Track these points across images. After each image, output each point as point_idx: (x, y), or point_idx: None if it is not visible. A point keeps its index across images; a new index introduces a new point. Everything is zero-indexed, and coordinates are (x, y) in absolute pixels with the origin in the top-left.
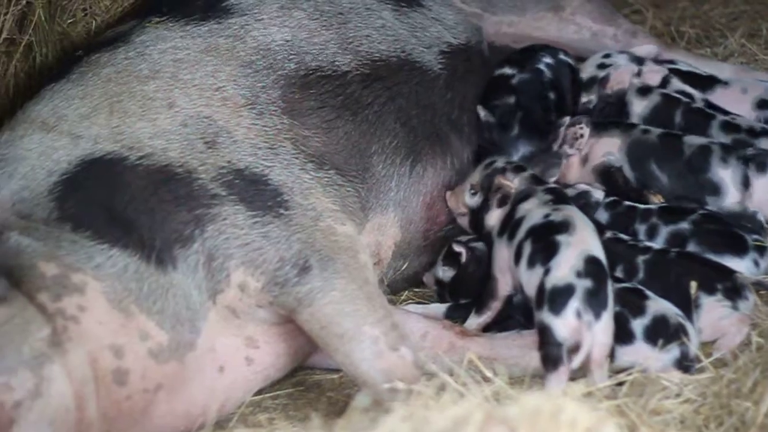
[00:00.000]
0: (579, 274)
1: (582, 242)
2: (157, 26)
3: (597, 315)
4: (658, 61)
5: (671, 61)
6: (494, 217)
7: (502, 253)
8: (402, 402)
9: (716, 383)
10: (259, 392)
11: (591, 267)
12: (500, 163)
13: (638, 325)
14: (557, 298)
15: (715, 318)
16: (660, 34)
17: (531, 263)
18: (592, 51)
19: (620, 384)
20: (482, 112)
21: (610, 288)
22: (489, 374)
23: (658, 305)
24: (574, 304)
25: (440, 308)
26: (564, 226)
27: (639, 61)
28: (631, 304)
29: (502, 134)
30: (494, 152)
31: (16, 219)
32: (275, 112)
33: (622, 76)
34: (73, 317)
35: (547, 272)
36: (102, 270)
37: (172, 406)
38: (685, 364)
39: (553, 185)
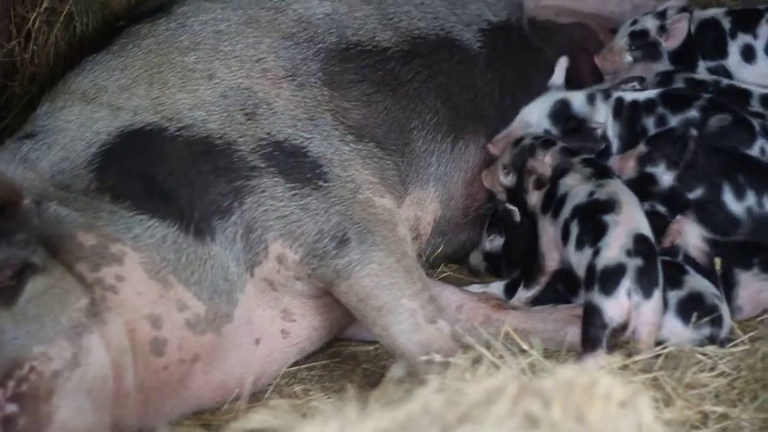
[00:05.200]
0: (629, 253)
1: (630, 220)
2: None
3: (647, 294)
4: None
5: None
6: (535, 197)
7: (548, 230)
8: (438, 374)
9: (751, 356)
10: (294, 363)
11: (640, 245)
12: (528, 140)
13: (673, 296)
14: (609, 279)
15: (753, 293)
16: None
17: (579, 244)
18: None
19: (656, 357)
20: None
21: (660, 266)
22: (525, 347)
23: (696, 282)
24: (626, 283)
25: (500, 286)
26: (610, 205)
27: (662, 16)
28: (669, 276)
29: None
30: None
31: (55, 190)
32: (315, 83)
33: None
34: (112, 287)
35: (596, 253)
36: (140, 240)
37: (208, 377)
38: (717, 341)
39: (589, 156)
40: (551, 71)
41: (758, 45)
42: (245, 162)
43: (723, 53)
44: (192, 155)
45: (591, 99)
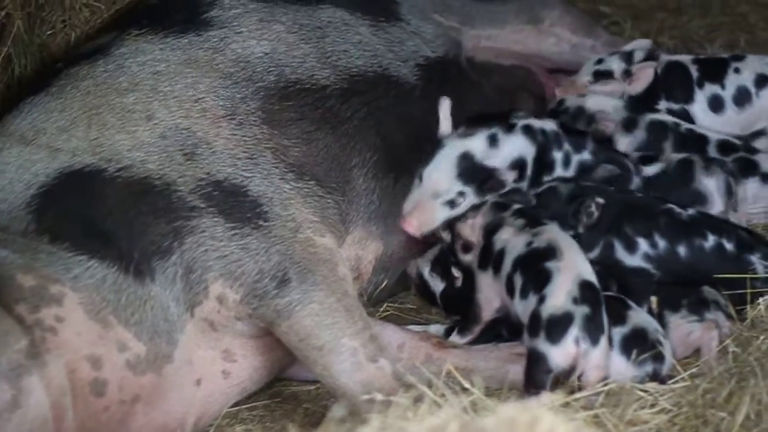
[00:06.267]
0: (576, 301)
1: (573, 266)
2: (137, 39)
3: (595, 341)
4: (649, 55)
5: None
6: (468, 257)
7: (487, 285)
8: (379, 413)
9: (692, 393)
10: (235, 404)
11: (587, 292)
12: None
13: (617, 333)
14: (555, 327)
15: (683, 335)
16: None
17: (524, 293)
18: (572, 63)
19: (597, 394)
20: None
21: (605, 312)
22: (467, 385)
23: (639, 317)
24: (574, 332)
25: (439, 329)
26: (551, 252)
27: (628, 58)
28: (613, 312)
29: None
30: None
31: None
32: (255, 122)
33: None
34: (51, 328)
35: (541, 300)
36: (80, 281)
37: (149, 417)
38: (659, 377)
39: (519, 207)
40: (488, 103)
41: (726, 95)
42: (185, 202)
43: (689, 99)
44: (131, 196)
45: (492, 139)
